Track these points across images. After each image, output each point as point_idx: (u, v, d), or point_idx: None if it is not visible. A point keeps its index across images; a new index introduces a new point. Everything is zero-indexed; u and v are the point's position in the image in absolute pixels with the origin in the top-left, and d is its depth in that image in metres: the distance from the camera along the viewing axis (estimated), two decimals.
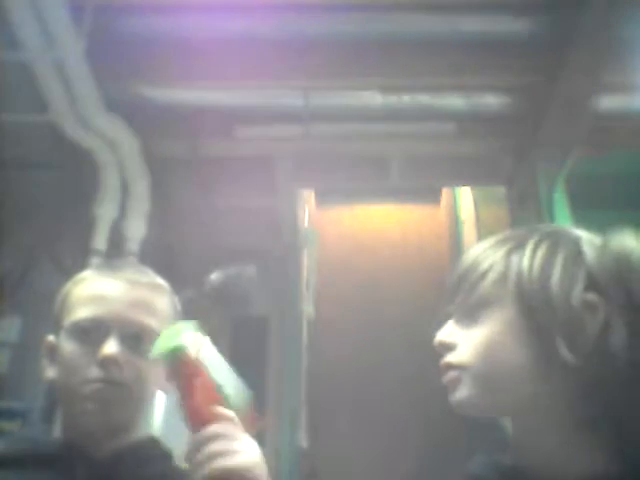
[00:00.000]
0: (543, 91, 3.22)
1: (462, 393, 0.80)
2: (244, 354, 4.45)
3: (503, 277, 0.80)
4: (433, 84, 3.35)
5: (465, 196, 5.08)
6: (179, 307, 1.11)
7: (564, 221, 3.30)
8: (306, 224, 5.03)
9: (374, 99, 3.33)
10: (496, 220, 4.21)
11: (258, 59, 3.14)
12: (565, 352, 0.72)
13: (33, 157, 3.36)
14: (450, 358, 0.81)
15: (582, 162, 3.37)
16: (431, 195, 5.92)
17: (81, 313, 0.99)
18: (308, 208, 5.16)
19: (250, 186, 4.09)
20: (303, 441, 4.18)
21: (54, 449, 0.97)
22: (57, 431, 1.02)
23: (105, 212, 3.32)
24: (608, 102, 3.21)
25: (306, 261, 4.88)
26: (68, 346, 0.98)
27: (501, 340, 0.78)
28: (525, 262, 0.80)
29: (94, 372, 0.95)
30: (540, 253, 0.80)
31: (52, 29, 2.65)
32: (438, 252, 5.68)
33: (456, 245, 5.30)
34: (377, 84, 3.32)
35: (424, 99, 3.34)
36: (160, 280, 1.10)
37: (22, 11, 2.55)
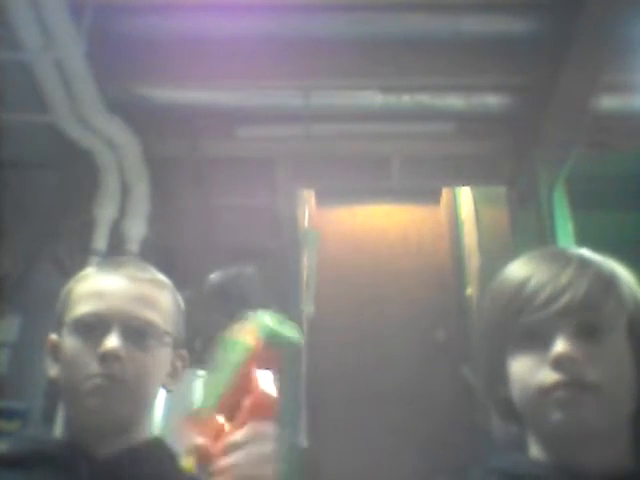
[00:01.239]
0: (543, 91, 3.22)
1: (592, 415, 0.78)
2: None
3: (621, 303, 0.83)
4: (433, 84, 3.35)
5: (465, 196, 5.08)
6: (182, 304, 1.10)
7: (564, 221, 3.30)
8: (306, 224, 5.02)
9: (374, 99, 3.32)
10: (496, 220, 4.21)
11: (258, 59, 3.14)
12: None
13: (33, 157, 3.36)
14: (584, 375, 0.79)
15: (582, 162, 3.37)
16: (431, 195, 5.92)
17: (82, 309, 0.98)
18: (308, 208, 5.16)
19: (250, 186, 4.09)
20: (303, 441, 4.18)
21: (57, 448, 0.96)
22: (58, 430, 1.01)
23: (105, 212, 3.32)
24: (608, 102, 3.21)
25: (306, 261, 4.88)
26: (70, 342, 0.97)
27: (627, 359, 0.81)
28: (630, 292, 0.85)
29: (95, 367, 0.94)
30: (631, 285, 0.86)
31: (52, 29, 2.65)
32: (438, 252, 5.68)
33: (456, 245, 5.30)
34: (377, 84, 3.32)
35: (424, 99, 3.34)
36: (162, 276, 1.10)
37: (22, 11, 2.55)
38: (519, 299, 0.83)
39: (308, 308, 4.72)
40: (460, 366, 4.38)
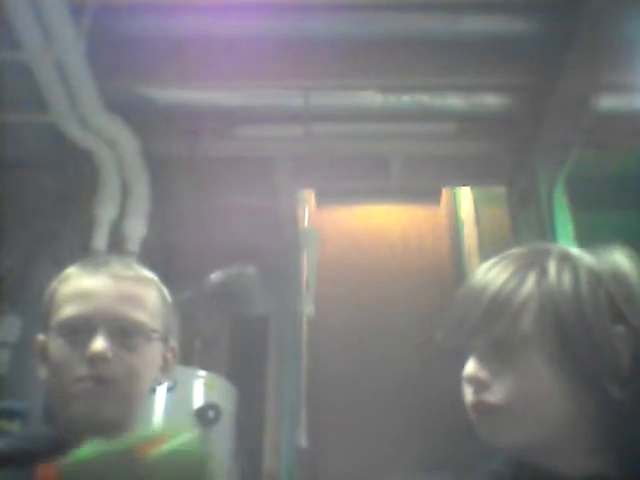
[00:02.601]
0: (543, 91, 3.22)
1: (504, 436, 0.78)
2: (244, 354, 4.45)
3: (542, 312, 0.79)
4: (433, 84, 3.35)
5: (465, 196, 5.07)
6: (169, 300, 1.09)
7: (564, 221, 3.30)
8: (306, 224, 5.02)
9: (374, 99, 3.32)
10: (496, 220, 4.21)
11: (258, 59, 3.14)
12: (608, 384, 0.75)
13: (33, 157, 3.36)
14: (487, 397, 0.78)
15: (582, 162, 3.36)
16: (431, 195, 5.92)
17: (67, 311, 0.98)
18: (308, 208, 5.16)
19: (250, 186, 4.09)
20: (303, 441, 4.18)
21: (52, 446, 0.94)
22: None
23: (105, 212, 3.32)
24: (608, 102, 3.20)
25: (306, 261, 4.88)
26: (56, 345, 0.97)
27: (541, 378, 0.77)
28: (559, 295, 0.79)
29: (83, 370, 0.94)
30: (567, 282, 0.80)
31: (52, 29, 2.65)
32: (438, 252, 5.68)
33: (456, 245, 5.30)
34: (377, 84, 3.32)
35: (424, 99, 3.34)
36: (147, 273, 1.08)
37: (22, 11, 2.55)
38: (445, 319, 0.84)
39: (308, 308, 4.72)
40: (460, 366, 4.37)
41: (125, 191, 3.41)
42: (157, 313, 1.04)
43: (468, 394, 0.81)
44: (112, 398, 0.95)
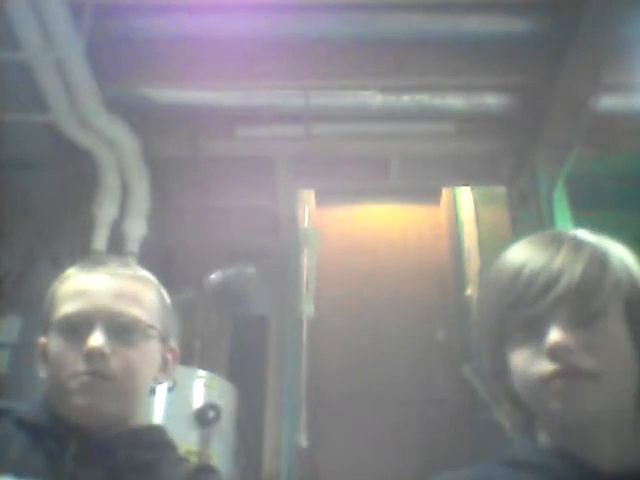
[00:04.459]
0: (543, 91, 3.22)
1: (592, 402, 0.78)
2: (244, 354, 4.44)
3: (617, 285, 0.82)
4: (433, 84, 3.35)
5: (465, 196, 5.07)
6: (168, 301, 1.10)
7: (564, 221, 3.30)
8: (306, 224, 5.02)
9: (374, 99, 3.32)
10: (496, 220, 4.21)
11: (258, 59, 3.14)
12: None
13: (33, 157, 3.36)
14: (580, 363, 0.78)
15: (582, 162, 3.36)
16: (431, 195, 5.91)
17: (66, 309, 0.99)
18: (308, 208, 5.16)
19: (250, 186, 4.08)
20: (303, 441, 4.18)
21: (54, 423, 0.97)
22: None
23: (105, 212, 3.32)
24: (608, 102, 3.20)
25: (306, 261, 4.88)
26: (56, 343, 0.98)
27: (624, 347, 0.80)
28: (627, 273, 0.83)
29: (81, 366, 0.95)
30: (627, 264, 0.85)
31: (52, 29, 2.65)
32: (438, 252, 5.68)
33: (456, 245, 5.30)
34: (377, 84, 3.32)
35: (424, 99, 3.34)
36: (145, 273, 1.10)
37: (22, 11, 2.55)
38: (513, 292, 0.83)
39: (308, 308, 4.72)
40: (460, 366, 4.38)
41: (125, 191, 3.41)
42: (155, 311, 1.04)
43: (547, 366, 0.79)
44: (110, 393, 0.96)
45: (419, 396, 4.61)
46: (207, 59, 3.13)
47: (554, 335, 0.80)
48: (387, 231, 5.86)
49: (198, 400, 3.30)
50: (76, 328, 0.98)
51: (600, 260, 0.83)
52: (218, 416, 3.26)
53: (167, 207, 3.87)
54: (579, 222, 3.28)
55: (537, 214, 3.44)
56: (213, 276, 4.12)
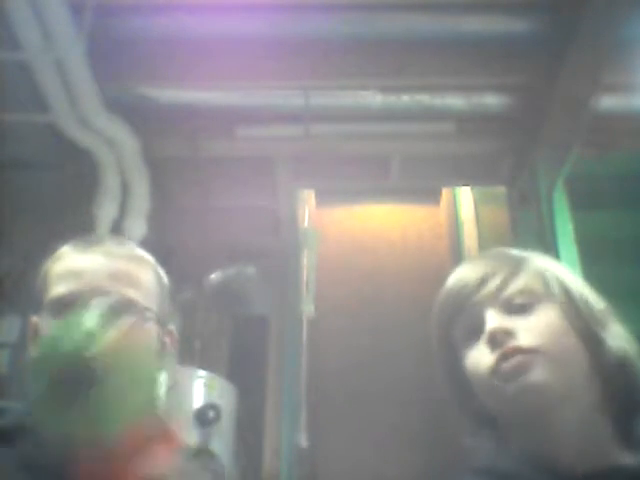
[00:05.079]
0: (543, 91, 3.22)
1: (538, 375, 0.80)
2: (244, 354, 4.44)
3: (542, 276, 0.87)
4: (433, 84, 3.35)
5: (465, 196, 5.07)
6: (166, 282, 1.07)
7: (564, 221, 3.30)
8: (306, 224, 5.02)
9: (374, 99, 3.32)
10: (496, 220, 4.21)
11: (258, 59, 3.14)
12: (612, 343, 0.83)
13: (33, 157, 3.36)
14: (519, 342, 0.81)
15: (582, 162, 3.36)
16: (431, 195, 5.91)
17: (59, 289, 0.96)
18: (308, 208, 5.16)
19: (250, 186, 4.08)
20: (303, 441, 4.18)
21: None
22: None
23: (105, 212, 3.32)
24: (608, 102, 3.20)
25: (306, 261, 4.88)
26: (47, 324, 0.95)
27: (560, 327, 0.83)
28: (555, 278, 0.88)
29: None
30: (557, 272, 0.90)
31: (52, 29, 2.65)
32: (438, 252, 5.67)
33: (456, 245, 5.30)
34: (377, 84, 3.32)
35: (424, 99, 3.34)
36: (141, 252, 1.07)
37: (22, 11, 2.55)
38: (447, 305, 0.89)
39: (308, 308, 4.72)
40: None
41: (125, 191, 3.40)
42: (151, 293, 1.01)
43: (492, 355, 0.82)
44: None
45: (419, 396, 4.60)
46: (207, 59, 3.13)
47: (490, 323, 0.83)
48: (387, 231, 5.86)
49: (198, 400, 3.30)
50: (70, 309, 0.93)
51: (515, 257, 0.90)
52: (218, 416, 3.26)
53: (167, 207, 3.87)
54: (579, 222, 3.28)
55: (537, 214, 3.44)
56: (213, 276, 4.12)
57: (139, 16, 3.03)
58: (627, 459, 0.80)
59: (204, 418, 3.21)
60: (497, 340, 0.81)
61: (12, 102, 2.91)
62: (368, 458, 4.44)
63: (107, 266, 0.98)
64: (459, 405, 0.92)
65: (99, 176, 3.35)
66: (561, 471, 0.79)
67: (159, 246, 3.96)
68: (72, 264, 0.99)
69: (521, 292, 0.85)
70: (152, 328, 0.99)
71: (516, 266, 0.88)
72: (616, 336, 0.84)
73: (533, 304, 0.84)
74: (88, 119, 3.09)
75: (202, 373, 3.45)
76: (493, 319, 0.83)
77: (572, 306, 0.85)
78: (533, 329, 0.82)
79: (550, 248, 3.13)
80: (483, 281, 0.86)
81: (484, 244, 4.37)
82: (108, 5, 2.91)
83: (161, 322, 1.02)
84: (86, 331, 0.82)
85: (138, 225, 3.41)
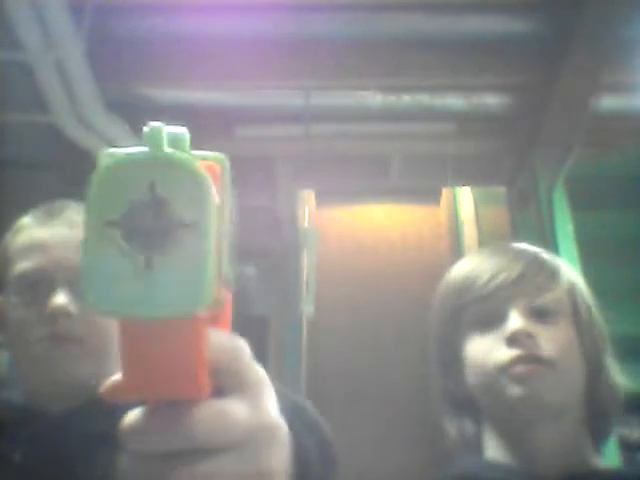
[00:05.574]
0: (543, 91, 3.21)
1: (548, 388, 0.80)
2: None
3: (567, 292, 0.88)
4: (433, 84, 3.35)
5: (465, 196, 5.07)
6: None
7: (564, 221, 3.30)
8: (306, 224, 5.02)
9: (374, 99, 3.32)
10: (496, 220, 4.21)
11: (258, 59, 3.14)
12: (611, 368, 0.86)
13: (33, 157, 3.35)
14: (540, 351, 0.82)
15: (582, 162, 3.37)
16: (431, 195, 5.91)
17: (22, 265, 0.89)
18: (308, 208, 5.16)
19: (250, 186, 4.08)
20: None
21: (8, 412, 0.90)
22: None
23: None
24: (608, 102, 3.20)
25: (306, 261, 4.88)
26: (12, 304, 0.89)
27: (576, 345, 0.84)
28: (575, 285, 0.89)
29: (43, 329, 0.85)
30: (575, 278, 0.92)
31: (52, 29, 2.64)
32: (438, 252, 5.67)
33: (456, 245, 5.30)
34: (377, 84, 3.32)
35: (424, 99, 3.34)
36: None
37: (22, 11, 2.55)
38: (469, 286, 0.87)
39: (308, 308, 4.72)
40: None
41: None
42: None
43: (507, 352, 0.82)
44: (79, 358, 0.87)
45: (419, 396, 4.60)
46: (207, 59, 3.13)
47: (515, 322, 0.82)
48: (387, 231, 5.86)
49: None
50: (35, 286, 0.87)
51: (553, 264, 0.90)
52: None
53: None
54: (579, 222, 3.27)
55: (537, 214, 3.44)
56: None
57: (139, 16, 3.03)
58: (602, 465, 0.84)
59: None
60: (518, 341, 0.81)
61: (12, 102, 2.91)
62: (368, 457, 4.44)
63: (73, 237, 0.89)
64: (443, 387, 0.92)
65: None
66: (536, 475, 0.80)
67: None
68: (35, 237, 0.91)
69: (551, 302, 0.85)
70: None
71: (552, 275, 0.87)
72: (613, 366, 0.87)
73: (557, 316, 0.84)
74: (88, 119, 3.09)
75: None
76: (518, 319, 0.82)
77: (589, 327, 0.86)
78: (554, 341, 0.82)
79: (550, 248, 3.13)
80: (517, 280, 0.85)
81: (484, 244, 4.37)
82: (108, 5, 2.91)
83: None
84: None
85: None
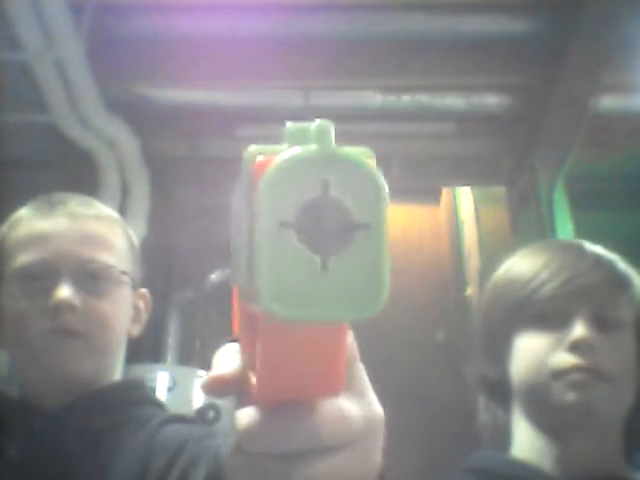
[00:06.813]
0: (543, 91, 3.21)
1: (602, 401, 0.79)
2: None
3: (635, 303, 0.85)
4: (433, 84, 3.35)
5: (465, 196, 5.07)
6: (136, 242, 1.01)
7: (564, 221, 3.30)
8: None
9: (374, 99, 3.32)
10: (496, 220, 4.20)
11: (258, 59, 3.13)
12: None
13: (33, 157, 3.35)
14: (602, 365, 0.80)
15: (582, 162, 3.36)
16: (431, 195, 5.91)
17: (23, 258, 0.86)
18: None
19: None
20: None
21: (9, 407, 0.88)
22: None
23: None
24: (608, 102, 3.20)
25: None
26: (13, 298, 0.86)
27: (635, 360, 0.83)
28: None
29: (46, 323, 0.83)
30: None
31: (52, 29, 2.65)
32: (438, 252, 5.68)
33: (456, 245, 5.30)
34: (377, 84, 3.32)
35: (424, 99, 3.34)
36: (109, 211, 1.00)
37: (22, 11, 2.55)
38: (541, 282, 0.84)
39: None
40: (460, 366, 4.38)
41: (125, 191, 3.40)
42: (125, 255, 0.93)
43: (567, 359, 0.80)
44: (82, 352, 0.85)
45: (419, 396, 4.61)
46: (207, 59, 3.13)
47: (579, 330, 0.80)
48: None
49: (198, 400, 3.30)
50: (37, 279, 0.85)
51: (621, 275, 0.86)
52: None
53: (167, 207, 3.87)
54: (579, 222, 3.28)
55: (537, 214, 3.44)
56: (213, 276, 4.11)
57: (139, 16, 3.03)
58: (630, 474, 0.82)
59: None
60: (581, 350, 0.80)
61: (12, 102, 2.91)
62: None
63: (75, 229, 0.89)
64: (483, 374, 0.90)
65: (99, 176, 3.34)
66: (555, 476, 0.80)
67: (159, 246, 3.98)
68: (36, 229, 0.89)
69: (618, 314, 0.83)
70: (128, 293, 0.92)
71: (625, 287, 0.85)
72: None
73: (621, 328, 0.83)
74: (88, 119, 3.09)
75: (202, 373, 3.45)
76: (582, 327, 0.81)
77: None
78: (615, 354, 0.81)
79: None
80: (592, 289, 0.83)
81: (484, 244, 4.37)
82: (108, 5, 2.91)
83: (134, 286, 0.95)
84: None
85: (138, 225, 3.41)
